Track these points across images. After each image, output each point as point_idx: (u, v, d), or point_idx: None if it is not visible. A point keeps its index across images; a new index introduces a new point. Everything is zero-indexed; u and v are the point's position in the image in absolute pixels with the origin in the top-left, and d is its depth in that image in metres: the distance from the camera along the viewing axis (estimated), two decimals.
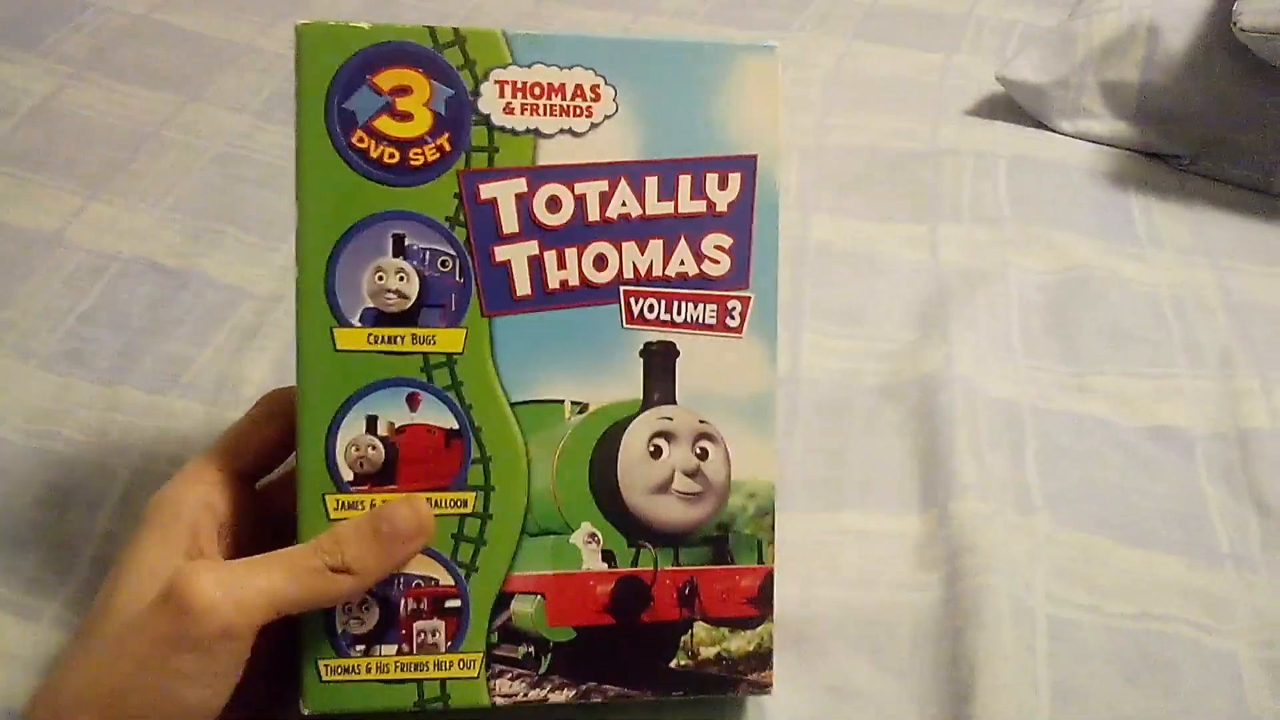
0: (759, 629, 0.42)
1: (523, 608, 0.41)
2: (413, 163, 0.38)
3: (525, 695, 0.41)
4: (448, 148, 0.39)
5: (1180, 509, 0.53)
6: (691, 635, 0.42)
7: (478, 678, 0.40)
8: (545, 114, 0.40)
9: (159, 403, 0.55)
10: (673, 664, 0.42)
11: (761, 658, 0.42)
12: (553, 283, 0.40)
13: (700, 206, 0.42)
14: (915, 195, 0.74)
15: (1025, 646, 0.46)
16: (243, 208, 0.68)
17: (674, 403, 0.42)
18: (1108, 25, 0.82)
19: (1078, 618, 0.48)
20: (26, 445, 0.53)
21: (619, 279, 0.41)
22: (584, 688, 0.41)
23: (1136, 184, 0.77)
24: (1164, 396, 0.60)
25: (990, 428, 0.56)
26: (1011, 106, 0.84)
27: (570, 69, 0.40)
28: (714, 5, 0.98)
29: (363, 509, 0.39)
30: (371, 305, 0.39)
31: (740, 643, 0.42)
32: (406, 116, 0.38)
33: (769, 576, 0.42)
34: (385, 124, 0.38)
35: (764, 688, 0.42)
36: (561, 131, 0.40)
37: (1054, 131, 0.83)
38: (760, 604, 0.42)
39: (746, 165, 0.42)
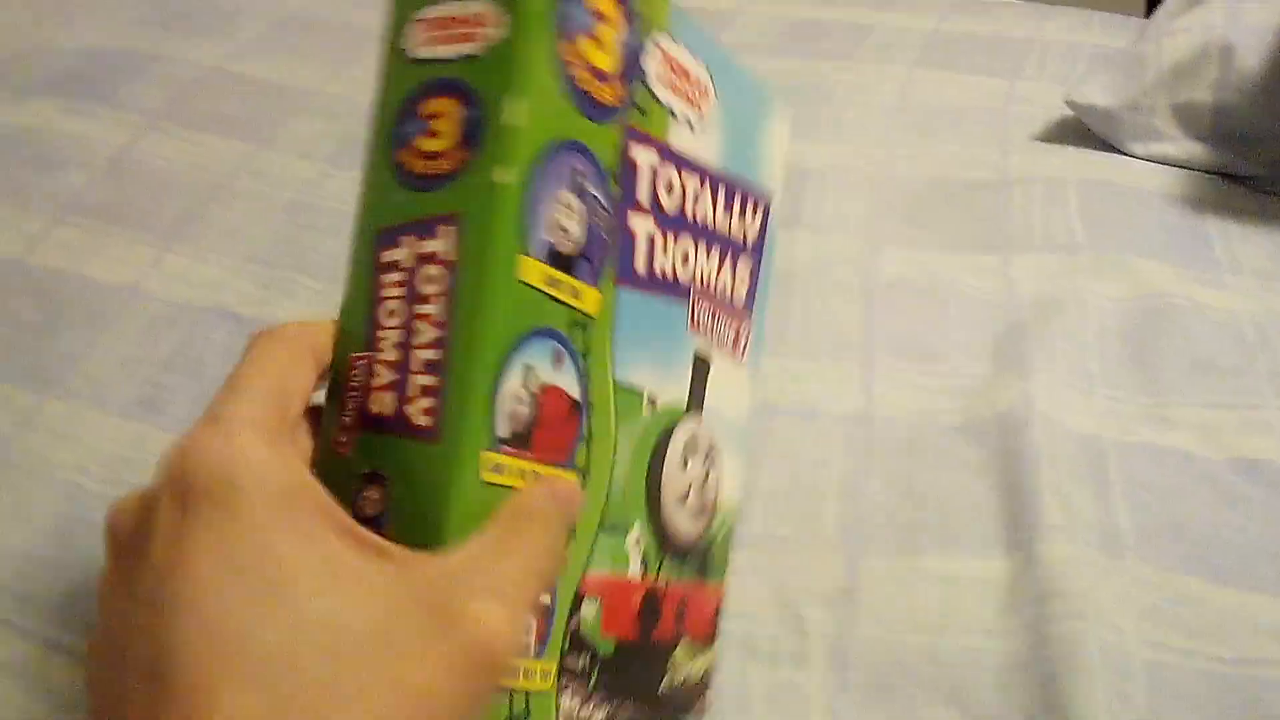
0: (712, 650, 0.43)
1: (588, 612, 0.36)
2: (597, 98, 0.34)
3: (575, 715, 0.36)
4: (622, 93, 0.35)
5: (1273, 547, 0.52)
6: (675, 655, 0.41)
7: (550, 691, 0.35)
8: (678, 95, 0.38)
9: None
10: (661, 686, 0.40)
11: (707, 680, 0.42)
12: (657, 267, 0.38)
13: (740, 229, 0.44)
14: (985, 225, 0.73)
15: (1119, 694, 0.45)
16: (312, 256, 0.69)
17: (701, 416, 0.42)
18: (1179, 46, 0.81)
19: (1174, 662, 0.46)
20: (105, 494, 0.54)
21: (692, 281, 0.40)
22: (612, 707, 0.37)
23: (1213, 207, 0.76)
24: (1250, 428, 0.58)
25: (1073, 465, 0.55)
26: (1081, 131, 0.83)
27: (698, 60, 0.39)
28: (775, 37, 0.98)
29: (507, 475, 0.32)
30: (548, 239, 0.33)
31: (700, 664, 0.42)
32: (602, 45, 0.34)
33: (723, 598, 0.43)
34: (587, 47, 0.33)
35: (703, 712, 0.42)
36: (685, 118, 0.39)
37: (1126, 155, 0.81)
38: (717, 624, 0.43)
39: (765, 199, 0.45)
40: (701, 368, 0.42)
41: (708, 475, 0.42)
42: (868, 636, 0.48)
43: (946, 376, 0.61)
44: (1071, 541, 0.50)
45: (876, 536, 0.52)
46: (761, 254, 0.45)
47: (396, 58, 0.33)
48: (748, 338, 0.45)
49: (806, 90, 0.88)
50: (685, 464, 0.41)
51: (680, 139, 0.39)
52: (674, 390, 0.40)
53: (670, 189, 0.39)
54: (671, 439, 0.40)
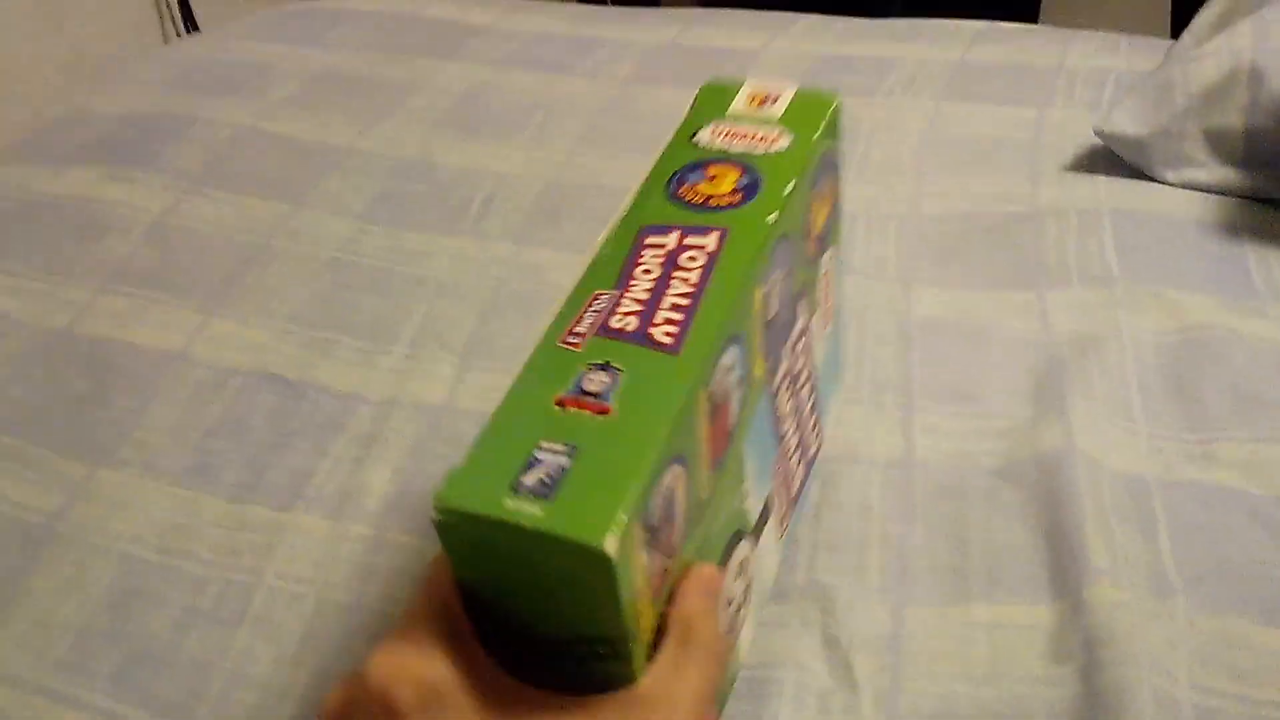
0: None
1: None
2: (817, 234, 0.49)
3: None
4: (819, 250, 0.50)
5: None
6: None
7: None
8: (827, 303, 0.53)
9: (285, 519, 0.56)
10: None
11: None
12: (780, 400, 0.47)
13: (810, 440, 0.54)
14: (1019, 260, 0.73)
15: None
16: (352, 314, 0.70)
17: (755, 548, 0.46)
18: (1207, 72, 0.81)
19: (1225, 707, 0.46)
20: (161, 563, 0.55)
21: (783, 438, 0.49)
22: None
23: (1250, 233, 0.75)
24: None
25: (1117, 505, 0.54)
26: (1112, 159, 0.83)
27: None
28: (800, 74, 0.99)
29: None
30: (767, 290, 0.43)
31: None
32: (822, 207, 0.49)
33: None
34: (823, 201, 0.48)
35: None
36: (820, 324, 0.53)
37: (1158, 182, 0.81)
38: None
39: (819, 443, 0.56)
40: (766, 511, 0.47)
41: (740, 607, 0.44)
42: (917, 686, 0.48)
43: (986, 418, 0.61)
44: (1118, 585, 0.50)
45: (921, 583, 0.52)
46: (808, 474, 0.54)
47: (686, 143, 0.47)
48: (788, 524, 0.51)
49: None
50: (736, 575, 0.44)
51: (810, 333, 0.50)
52: (752, 505, 0.45)
53: (802, 352, 0.49)
54: (740, 543, 0.44)
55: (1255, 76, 0.79)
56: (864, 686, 0.48)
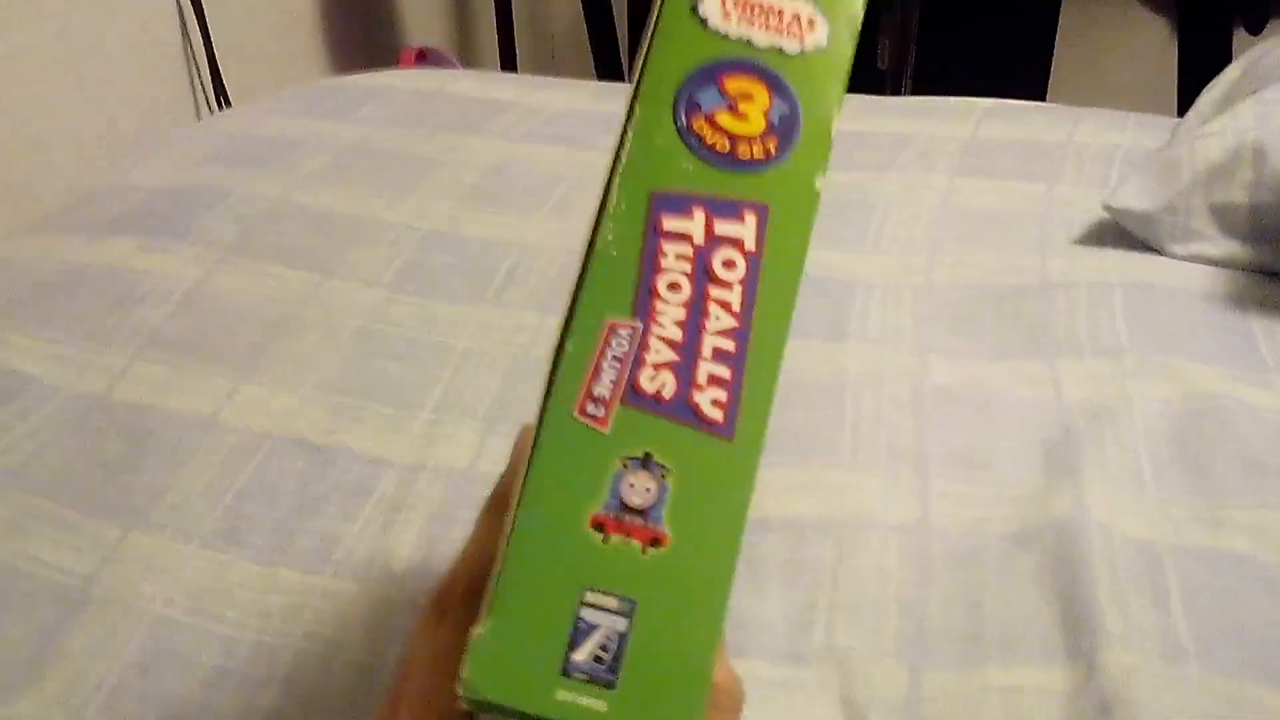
0: None
1: None
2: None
3: None
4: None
5: None
6: None
7: None
8: None
9: (314, 582, 0.58)
10: None
11: None
12: None
13: None
14: (1030, 331, 0.74)
15: None
16: (379, 382, 0.72)
17: None
18: (1212, 150, 0.83)
19: None
20: (191, 625, 0.56)
21: None
22: None
23: (1256, 305, 0.77)
24: None
25: (1130, 572, 0.55)
26: (1120, 234, 0.85)
27: None
28: None
29: None
30: None
31: None
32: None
33: None
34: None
35: None
36: None
37: (1166, 256, 0.83)
38: None
39: None
40: None
41: None
42: None
43: (999, 485, 0.62)
44: (1131, 650, 0.51)
45: (937, 648, 0.53)
46: None
47: (689, 20, 0.33)
48: None
49: (851, 203, 0.91)
50: None
51: None
52: None
53: None
54: None
55: (1259, 154, 0.81)
56: None
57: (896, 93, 2.03)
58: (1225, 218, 0.82)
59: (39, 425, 0.69)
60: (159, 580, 0.59)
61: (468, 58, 2.47)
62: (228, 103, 1.63)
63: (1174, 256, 0.83)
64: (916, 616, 0.55)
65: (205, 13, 1.59)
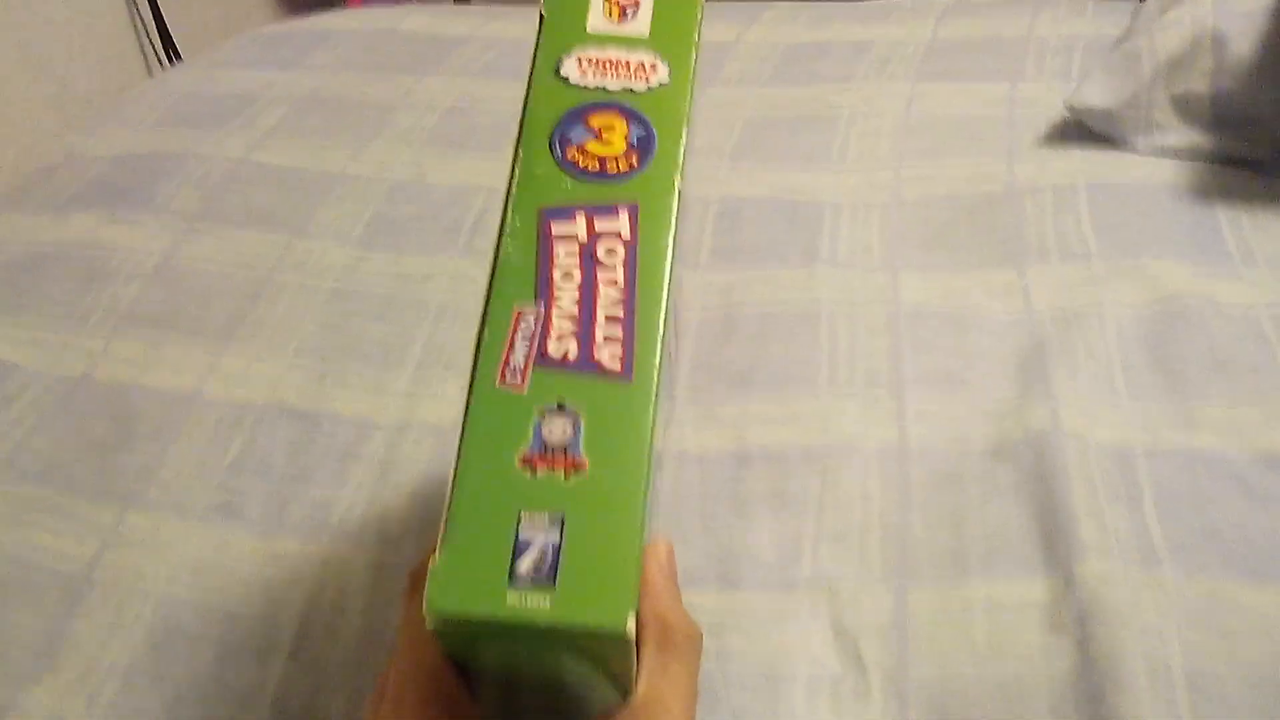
0: None
1: None
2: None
3: None
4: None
5: None
6: None
7: None
8: None
9: (312, 550, 0.59)
10: None
11: None
12: None
13: None
14: (1000, 241, 0.75)
15: (1166, 704, 0.47)
16: (360, 342, 0.72)
17: None
18: (1171, 40, 0.83)
19: (1217, 669, 0.49)
20: (195, 601, 0.58)
21: None
22: None
23: (1222, 197, 0.77)
24: (1274, 422, 0.60)
25: (1105, 479, 0.57)
26: (1085, 131, 0.85)
27: None
28: (776, 63, 1.01)
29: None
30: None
31: None
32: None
33: None
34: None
35: None
36: None
37: (1131, 151, 0.83)
38: None
39: None
40: None
41: None
42: (923, 668, 0.51)
43: (975, 401, 0.63)
44: (1108, 558, 0.52)
45: (922, 568, 0.55)
46: None
47: (554, 79, 0.41)
48: None
49: (813, 119, 0.91)
50: None
51: None
52: None
53: None
54: None
55: (1218, 41, 0.81)
56: (872, 670, 0.51)
57: None
58: (1187, 108, 0.82)
59: (23, 412, 0.69)
60: (160, 559, 0.60)
61: None
62: (177, 54, 1.60)
63: (1138, 151, 0.83)
64: (900, 538, 0.56)
65: None
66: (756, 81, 0.98)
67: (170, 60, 1.60)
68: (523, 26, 1.14)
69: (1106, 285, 0.70)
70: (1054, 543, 0.54)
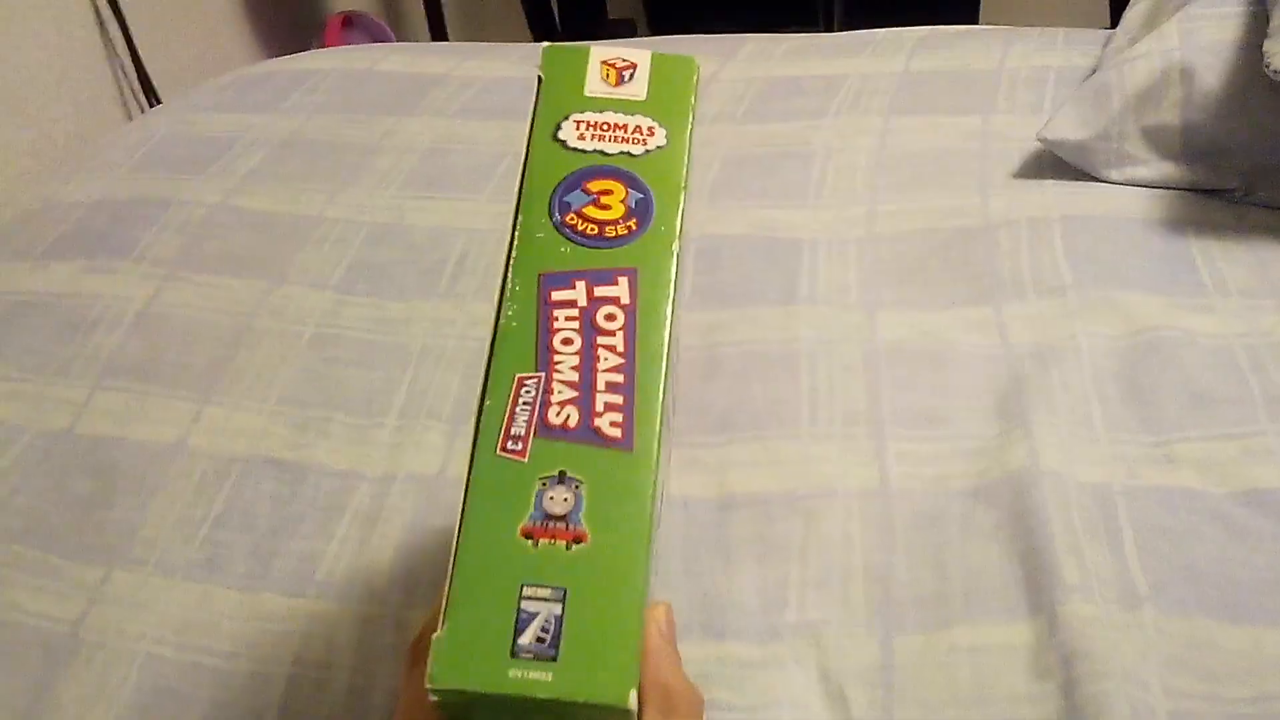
0: None
1: None
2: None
3: None
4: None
5: None
6: None
7: None
8: None
9: (298, 605, 0.59)
10: None
11: None
12: None
13: None
14: (975, 276, 0.76)
15: None
16: (341, 390, 0.72)
17: None
18: (1140, 73, 0.84)
19: (1195, 708, 0.49)
20: (182, 660, 0.57)
21: None
22: None
23: (1194, 227, 0.78)
24: (1251, 457, 0.60)
25: (1085, 518, 0.57)
26: (1057, 162, 0.86)
27: None
28: (752, 100, 1.01)
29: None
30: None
31: None
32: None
33: None
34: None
35: None
36: None
37: (1104, 183, 0.84)
38: None
39: None
40: None
41: None
42: (909, 714, 0.51)
43: (955, 440, 0.64)
44: (1090, 600, 0.53)
45: (906, 612, 0.55)
46: None
47: (552, 143, 0.41)
48: None
49: (790, 155, 0.91)
50: None
51: None
52: None
53: None
54: None
55: (1186, 74, 0.82)
56: (858, 717, 0.51)
57: (829, 25, 2.02)
58: (1158, 139, 0.83)
59: (5, 468, 0.69)
60: (145, 618, 0.60)
61: (394, 19, 2.42)
62: (156, 96, 1.60)
63: (1110, 182, 0.84)
64: (883, 582, 0.57)
65: (119, 3, 1.56)
66: (732, 119, 0.99)
67: (149, 102, 1.60)
68: (501, 64, 1.15)
69: (1081, 318, 0.70)
70: (1037, 584, 0.54)
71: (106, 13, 1.56)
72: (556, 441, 0.36)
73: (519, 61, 1.15)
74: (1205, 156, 0.82)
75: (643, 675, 0.33)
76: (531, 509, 0.35)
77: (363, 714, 0.54)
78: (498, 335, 0.38)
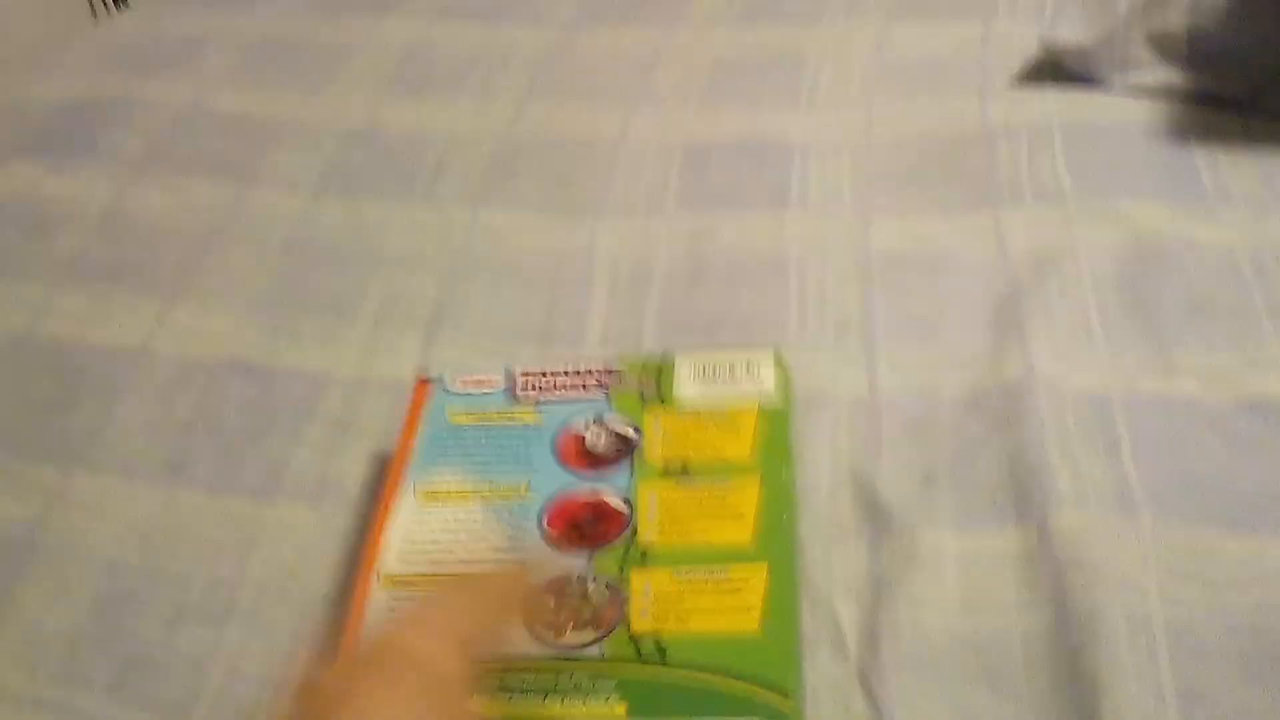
0: None
1: None
2: None
3: None
4: None
5: None
6: None
7: None
8: None
9: (266, 511, 0.57)
10: None
11: None
12: None
13: None
14: (973, 182, 0.73)
15: (1146, 657, 0.46)
16: (313, 294, 0.70)
17: None
18: None
19: (1197, 618, 0.47)
20: (145, 565, 0.55)
21: None
22: None
23: (1198, 135, 0.76)
24: (1253, 367, 0.58)
25: (1081, 427, 0.55)
26: (1060, 68, 0.83)
27: None
28: (743, 5, 0.98)
29: None
30: None
31: None
32: None
33: None
34: None
35: None
36: None
37: (1106, 91, 0.81)
38: None
39: None
40: None
41: None
42: (898, 623, 0.49)
43: (949, 349, 0.61)
44: (1084, 508, 0.51)
45: (893, 521, 0.53)
46: None
47: None
48: None
49: (781, 60, 0.88)
50: None
51: None
52: None
53: None
54: None
55: None
56: (848, 629, 0.49)
57: None
58: (1164, 45, 0.80)
59: None
60: (107, 521, 0.58)
61: None
62: (124, 2, 1.54)
63: (1113, 90, 0.81)
64: (870, 490, 0.55)
65: None
66: (724, 21, 0.95)
67: (116, 5, 1.55)
68: None
69: (1082, 227, 0.68)
70: (1027, 493, 0.53)
71: None
72: None
73: None
74: (1211, 63, 0.79)
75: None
76: None
77: (334, 623, 0.52)
78: None
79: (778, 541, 0.45)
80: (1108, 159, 0.74)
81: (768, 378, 0.52)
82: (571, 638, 0.41)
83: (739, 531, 0.45)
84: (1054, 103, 0.80)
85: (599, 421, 0.50)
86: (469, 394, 0.52)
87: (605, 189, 0.76)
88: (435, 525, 0.46)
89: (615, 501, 0.46)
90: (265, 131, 0.85)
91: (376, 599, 0.45)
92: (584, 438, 0.49)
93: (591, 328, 0.66)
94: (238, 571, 0.54)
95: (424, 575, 0.45)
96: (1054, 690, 0.46)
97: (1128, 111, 0.78)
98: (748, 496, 0.46)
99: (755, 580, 0.43)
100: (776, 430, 0.49)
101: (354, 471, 0.58)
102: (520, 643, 0.41)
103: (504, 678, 0.39)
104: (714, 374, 0.52)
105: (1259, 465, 0.53)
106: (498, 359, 0.62)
